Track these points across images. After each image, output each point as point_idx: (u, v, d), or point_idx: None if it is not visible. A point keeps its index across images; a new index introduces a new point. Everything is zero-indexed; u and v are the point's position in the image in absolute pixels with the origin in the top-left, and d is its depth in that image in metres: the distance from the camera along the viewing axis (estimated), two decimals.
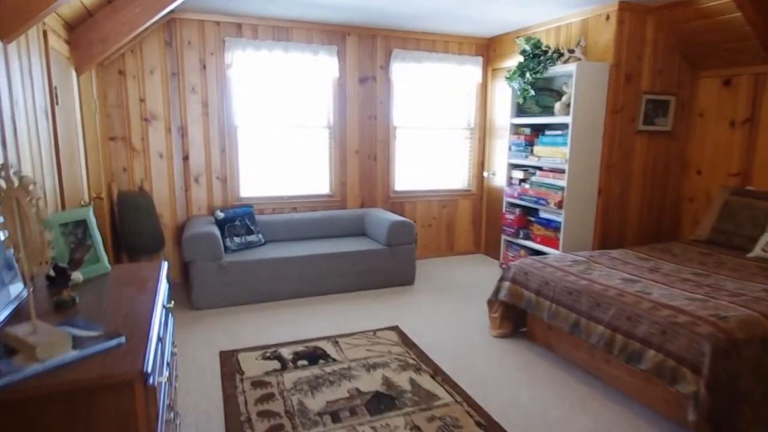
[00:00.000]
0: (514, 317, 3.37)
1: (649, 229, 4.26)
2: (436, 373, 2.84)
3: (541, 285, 3.04)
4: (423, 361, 2.98)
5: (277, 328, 3.50)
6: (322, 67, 4.59)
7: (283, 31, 4.49)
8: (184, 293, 4.17)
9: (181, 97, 4.28)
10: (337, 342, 3.25)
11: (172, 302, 2.00)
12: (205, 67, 4.30)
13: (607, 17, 3.83)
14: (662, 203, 4.28)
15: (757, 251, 3.25)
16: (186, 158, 4.36)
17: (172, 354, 1.95)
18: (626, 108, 3.94)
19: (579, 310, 2.72)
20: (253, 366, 2.94)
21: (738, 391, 2.03)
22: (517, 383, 2.75)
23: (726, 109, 3.96)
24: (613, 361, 2.62)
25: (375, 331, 3.43)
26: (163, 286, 1.88)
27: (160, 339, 1.50)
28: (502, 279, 3.36)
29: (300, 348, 3.17)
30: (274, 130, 4.63)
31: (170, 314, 2.00)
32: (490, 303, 3.43)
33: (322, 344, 3.22)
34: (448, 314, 3.79)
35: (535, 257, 3.36)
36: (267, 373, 2.84)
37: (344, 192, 4.97)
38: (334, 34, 4.67)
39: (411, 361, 2.98)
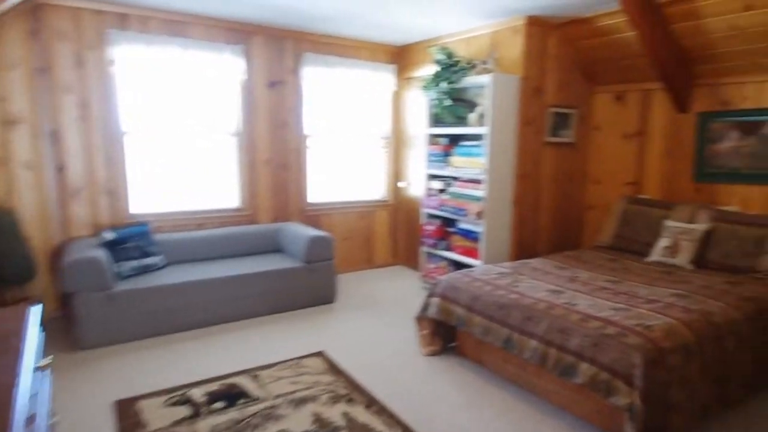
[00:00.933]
0: (444, 333, 3.37)
1: (557, 237, 4.55)
2: (371, 403, 2.72)
3: (471, 300, 3.06)
4: (355, 390, 2.85)
5: (185, 366, 3.14)
6: (226, 69, 4.27)
7: (180, 25, 4.08)
8: (66, 330, 3.62)
9: (53, 96, 3.70)
10: (256, 376, 2.99)
11: (50, 358, 1.60)
12: (82, 63, 3.77)
13: (516, 31, 4.01)
14: (568, 211, 4.59)
15: (654, 255, 3.60)
16: (61, 169, 3.77)
17: (51, 427, 1.54)
18: (536, 120, 4.16)
19: (511, 325, 2.77)
20: (158, 416, 2.58)
21: (669, 402, 2.17)
22: (455, 405, 2.73)
23: (619, 122, 4.35)
24: (544, 375, 2.70)
25: (299, 359, 3.22)
26: (33, 341, 1.49)
27: (30, 420, 1.17)
28: (430, 295, 3.35)
29: (214, 387, 2.87)
30: (172, 137, 4.20)
31: (46, 374, 1.61)
32: (419, 320, 3.40)
33: (239, 380, 2.94)
34: (374, 333, 3.69)
35: (462, 271, 3.39)
36: (176, 423, 2.51)
37: (255, 205, 4.67)
38: (240, 33, 4.36)
39: (342, 391, 2.83)
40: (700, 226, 3.45)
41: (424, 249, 4.71)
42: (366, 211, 5.41)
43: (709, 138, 3.73)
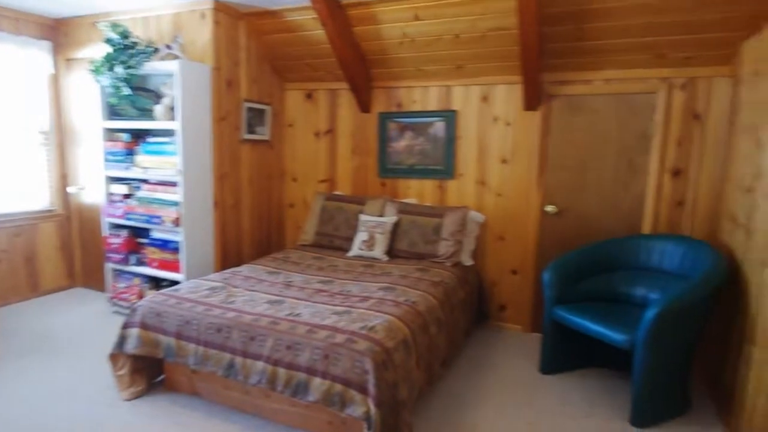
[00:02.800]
0: (147, 368, 2.97)
1: (261, 238, 4.56)
2: None
3: (181, 326, 2.76)
4: None
5: None
6: None
7: None
8: None
9: None
10: None
11: None
12: None
13: (203, 15, 3.77)
14: (269, 211, 4.65)
15: (355, 250, 3.98)
16: None
17: None
18: (231, 115, 4.04)
19: (233, 348, 2.60)
20: None
21: (399, 401, 2.38)
22: None
23: (311, 120, 4.63)
24: (273, 396, 2.65)
25: None
26: None
27: None
28: (126, 325, 2.88)
29: None
30: None
31: None
32: (114, 357, 2.90)
33: None
34: (54, 385, 2.98)
35: (165, 291, 3.02)
36: None
37: None
38: None
39: None
40: (389, 219, 3.99)
41: (110, 266, 4.05)
42: (25, 224, 4.33)
43: (389, 137, 4.34)
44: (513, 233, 4.03)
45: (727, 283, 2.97)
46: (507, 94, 3.92)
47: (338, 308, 2.80)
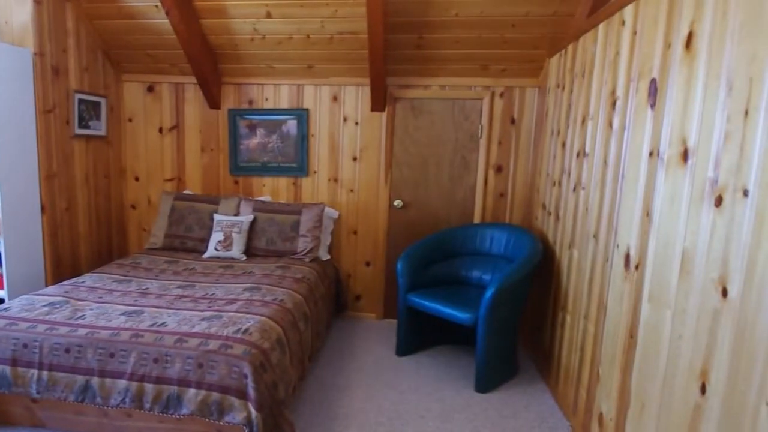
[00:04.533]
0: None
1: (101, 243, 4.06)
2: None
3: (17, 351, 2.38)
4: None
5: None
6: None
7: None
8: None
9: None
10: None
11: None
12: None
13: None
14: (108, 213, 4.16)
15: (210, 251, 3.78)
16: None
17: None
18: (58, 107, 3.51)
19: (87, 369, 2.33)
20: None
21: (278, 401, 2.37)
22: None
23: (153, 115, 4.25)
24: (137, 414, 2.42)
25: None
26: None
27: None
28: None
29: None
30: None
31: None
32: None
33: None
34: None
35: None
36: None
37: None
38: None
39: None
40: (246, 218, 3.87)
41: None
42: None
43: (240, 134, 4.18)
44: (365, 227, 4.20)
45: (542, 262, 3.49)
46: (356, 95, 4.05)
47: (206, 313, 2.66)
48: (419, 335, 3.71)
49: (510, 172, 4.03)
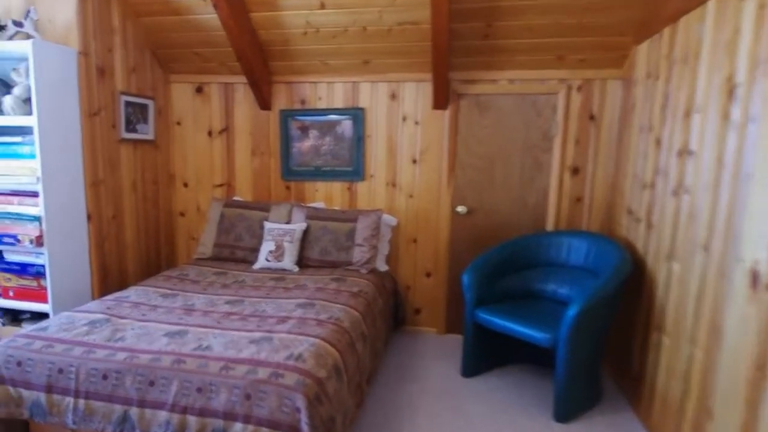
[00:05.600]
0: (4, 430, 2.26)
1: (149, 253, 3.83)
2: None
3: (52, 376, 2.11)
4: None
5: None
6: None
7: None
8: None
9: None
10: None
11: None
12: None
13: None
14: (156, 221, 3.93)
15: (261, 262, 3.47)
16: None
17: None
18: (105, 110, 3.29)
19: (126, 398, 2.04)
20: None
21: None
22: None
23: (202, 117, 4.00)
24: None
25: None
26: None
27: None
28: None
29: None
30: None
31: None
32: None
33: None
34: None
35: (28, 331, 2.32)
36: None
37: None
38: None
39: None
40: (298, 226, 3.54)
41: None
42: None
43: (292, 136, 3.87)
44: (425, 235, 3.80)
45: (631, 275, 2.99)
46: (416, 92, 3.66)
47: (255, 334, 2.34)
48: (487, 354, 3.28)
49: (588, 174, 3.54)
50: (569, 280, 3.24)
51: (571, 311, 2.60)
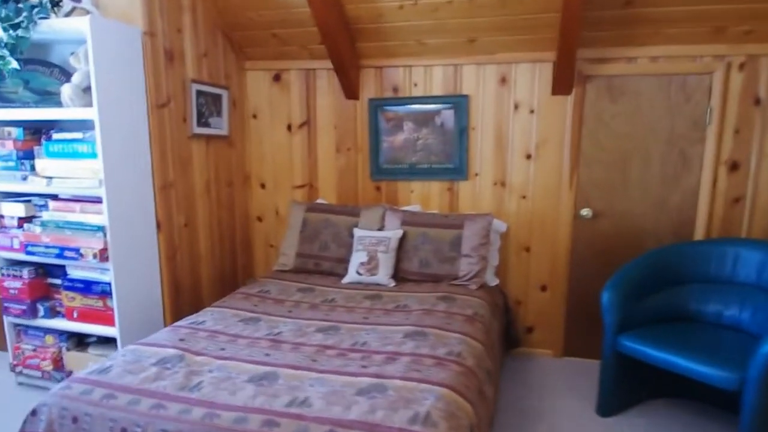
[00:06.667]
0: None
1: (224, 265, 3.31)
2: None
3: None
4: None
5: None
6: None
7: None
8: None
9: None
10: None
11: None
12: None
13: None
14: (232, 228, 3.40)
15: (351, 275, 2.90)
16: None
17: None
18: (174, 100, 2.78)
19: None
20: None
21: None
22: None
23: (280, 109, 3.44)
24: None
25: None
26: None
27: None
28: None
29: None
30: None
31: None
32: None
33: None
34: None
35: (89, 376, 1.81)
36: None
37: None
38: None
39: None
40: (394, 233, 2.95)
41: (10, 319, 2.69)
42: None
43: (383, 129, 3.26)
44: (540, 242, 3.13)
45: None
46: (531, 75, 2.99)
47: (362, 381, 1.76)
48: (629, 387, 2.60)
49: (751, 169, 2.78)
50: (738, 300, 2.52)
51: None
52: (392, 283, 2.86)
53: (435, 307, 2.49)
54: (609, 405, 2.55)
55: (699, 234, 2.90)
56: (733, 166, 2.82)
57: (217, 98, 3.13)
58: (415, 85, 3.17)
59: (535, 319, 3.23)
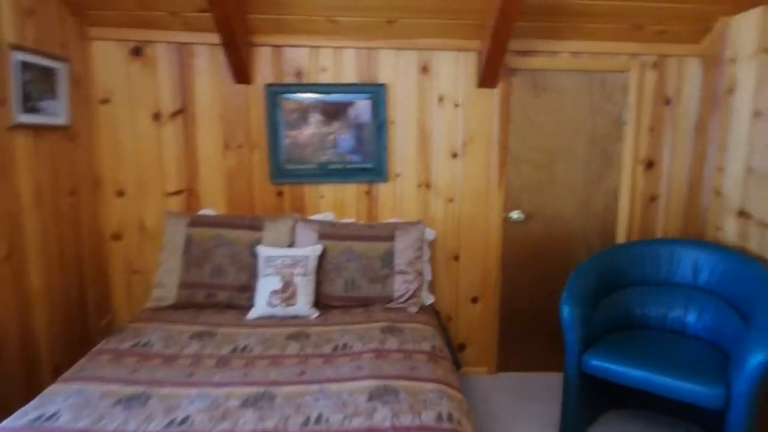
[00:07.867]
0: None
1: (68, 302, 2.31)
2: None
3: None
4: None
5: None
6: None
7: None
8: None
9: None
10: None
11: None
12: None
13: None
14: (77, 251, 2.40)
15: (261, 307, 2.20)
16: None
17: None
18: None
19: None
20: None
21: None
22: None
23: (144, 93, 2.56)
24: None
25: None
26: None
27: None
28: None
29: None
30: None
31: None
32: None
33: None
34: None
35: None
36: None
37: None
38: None
39: None
40: (312, 250, 2.33)
41: None
42: None
43: (285, 122, 2.61)
44: (470, 250, 2.78)
45: None
46: (455, 65, 2.63)
47: None
48: (590, 403, 2.36)
49: (664, 168, 2.78)
50: (680, 302, 2.44)
51: (756, 358, 1.77)
52: (314, 314, 2.25)
53: (384, 345, 1.95)
54: (574, 426, 2.27)
55: (621, 236, 2.81)
56: (649, 165, 2.79)
57: (50, 73, 2.18)
58: (324, 69, 2.58)
59: (467, 334, 2.87)
